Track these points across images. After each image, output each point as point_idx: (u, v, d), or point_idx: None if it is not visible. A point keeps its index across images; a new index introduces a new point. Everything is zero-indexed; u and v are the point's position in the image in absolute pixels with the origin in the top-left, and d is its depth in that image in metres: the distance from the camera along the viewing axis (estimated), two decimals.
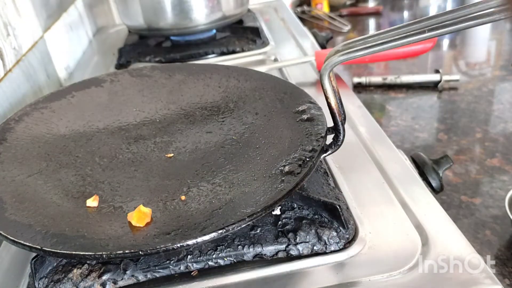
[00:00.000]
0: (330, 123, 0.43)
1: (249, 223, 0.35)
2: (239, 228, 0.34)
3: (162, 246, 0.33)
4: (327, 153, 0.43)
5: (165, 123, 0.53)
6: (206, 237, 0.33)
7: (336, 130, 0.42)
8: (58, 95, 0.57)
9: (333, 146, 0.43)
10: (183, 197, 0.40)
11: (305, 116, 0.46)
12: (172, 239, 0.34)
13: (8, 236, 0.35)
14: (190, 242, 0.33)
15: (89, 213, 0.39)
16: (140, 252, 0.33)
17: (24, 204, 0.40)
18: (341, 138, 0.42)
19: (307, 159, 0.40)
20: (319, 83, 0.41)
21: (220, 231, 0.33)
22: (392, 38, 0.35)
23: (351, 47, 0.37)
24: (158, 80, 0.61)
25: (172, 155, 0.47)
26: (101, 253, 0.33)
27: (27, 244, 0.34)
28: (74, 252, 0.33)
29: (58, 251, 0.34)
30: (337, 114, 0.41)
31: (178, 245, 0.33)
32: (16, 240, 0.35)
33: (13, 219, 0.37)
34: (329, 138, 0.43)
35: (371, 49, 0.36)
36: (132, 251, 0.33)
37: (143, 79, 0.61)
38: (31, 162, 0.46)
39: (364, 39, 0.37)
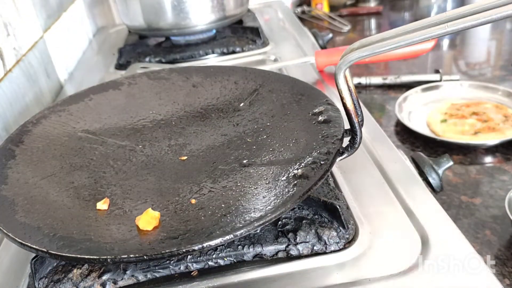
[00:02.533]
0: (347, 125, 0.42)
1: (257, 228, 0.34)
2: (246, 233, 0.34)
3: (167, 250, 0.32)
4: (343, 156, 0.41)
5: (180, 125, 0.53)
6: (212, 243, 0.33)
7: (352, 132, 0.41)
8: (77, 98, 0.57)
9: (349, 149, 0.41)
10: (193, 201, 0.40)
11: (321, 118, 0.45)
12: (178, 244, 0.33)
13: (16, 239, 0.35)
14: (196, 247, 0.33)
15: (99, 216, 0.39)
16: (145, 257, 0.32)
17: (35, 206, 0.40)
18: (358, 140, 0.41)
19: (322, 162, 0.39)
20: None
21: (226, 237, 0.33)
22: (409, 35, 0.34)
23: (367, 44, 0.36)
24: (176, 82, 0.60)
25: (185, 158, 0.47)
26: (105, 257, 0.33)
27: (34, 246, 0.34)
28: (79, 256, 0.33)
29: (64, 254, 0.33)
30: (353, 115, 0.40)
31: (184, 250, 0.32)
32: (23, 242, 0.35)
33: (22, 221, 0.37)
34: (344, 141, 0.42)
35: (388, 46, 0.35)
36: (137, 255, 0.32)
37: (161, 81, 0.61)
38: (45, 164, 0.46)
39: (381, 36, 0.36)
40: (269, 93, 0.54)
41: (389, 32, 0.36)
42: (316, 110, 0.47)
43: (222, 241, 0.33)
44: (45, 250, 0.34)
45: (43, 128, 0.51)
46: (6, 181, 0.43)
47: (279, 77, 0.56)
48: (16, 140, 0.49)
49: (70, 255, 0.33)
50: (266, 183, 0.40)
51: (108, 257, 0.33)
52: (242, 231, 0.33)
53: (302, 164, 0.40)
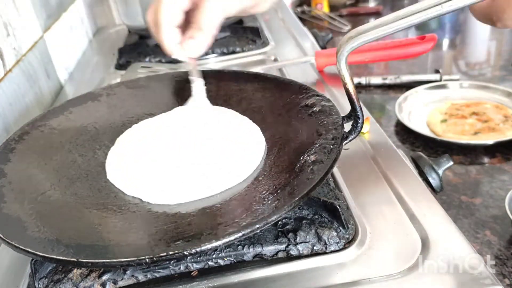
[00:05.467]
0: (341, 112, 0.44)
1: (286, 214, 0.35)
2: (277, 219, 0.34)
3: (208, 246, 0.32)
4: (348, 140, 0.42)
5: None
6: (259, 225, 0.33)
7: (355, 115, 0.42)
8: (56, 112, 0.55)
9: (353, 132, 0.43)
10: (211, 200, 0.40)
11: (316, 109, 0.46)
12: (208, 240, 0.33)
13: (38, 253, 0.34)
14: (245, 231, 0.33)
15: (112, 223, 0.39)
16: (185, 252, 0.32)
17: (44, 220, 0.39)
18: (360, 123, 0.42)
19: (331, 147, 0.40)
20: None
21: (235, 235, 0.33)
22: (406, 18, 0.35)
23: (364, 31, 0.37)
24: (156, 90, 0.59)
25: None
26: (143, 257, 0.32)
27: (61, 258, 0.33)
28: (114, 260, 0.33)
29: (97, 261, 0.33)
30: (355, 100, 0.41)
31: (214, 244, 0.32)
32: (47, 256, 0.34)
33: (37, 236, 0.36)
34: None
35: (389, 30, 0.36)
36: (176, 252, 0.32)
37: (140, 90, 0.59)
38: (41, 179, 0.45)
39: (376, 23, 0.37)
40: (254, 92, 0.54)
41: (384, 18, 0.37)
42: (308, 102, 0.47)
43: (227, 241, 0.33)
44: (74, 259, 0.33)
45: (28, 144, 0.49)
46: (5, 200, 0.41)
47: (260, 75, 0.56)
48: (2, 158, 0.46)
49: (104, 261, 0.33)
50: (280, 173, 0.40)
51: (146, 257, 0.32)
52: (273, 218, 0.33)
53: (312, 151, 0.40)
